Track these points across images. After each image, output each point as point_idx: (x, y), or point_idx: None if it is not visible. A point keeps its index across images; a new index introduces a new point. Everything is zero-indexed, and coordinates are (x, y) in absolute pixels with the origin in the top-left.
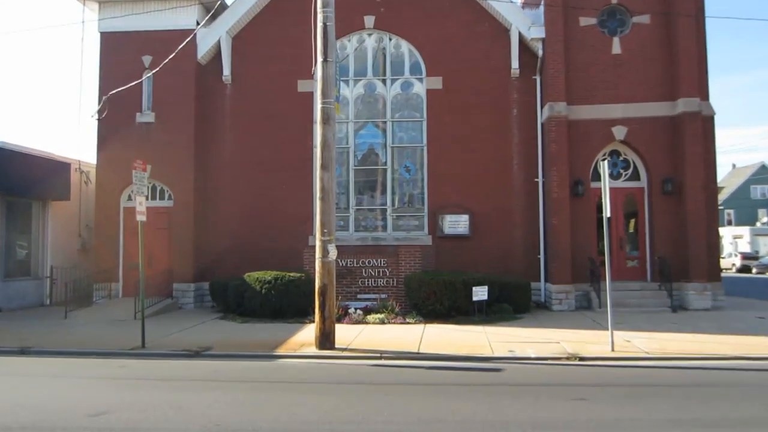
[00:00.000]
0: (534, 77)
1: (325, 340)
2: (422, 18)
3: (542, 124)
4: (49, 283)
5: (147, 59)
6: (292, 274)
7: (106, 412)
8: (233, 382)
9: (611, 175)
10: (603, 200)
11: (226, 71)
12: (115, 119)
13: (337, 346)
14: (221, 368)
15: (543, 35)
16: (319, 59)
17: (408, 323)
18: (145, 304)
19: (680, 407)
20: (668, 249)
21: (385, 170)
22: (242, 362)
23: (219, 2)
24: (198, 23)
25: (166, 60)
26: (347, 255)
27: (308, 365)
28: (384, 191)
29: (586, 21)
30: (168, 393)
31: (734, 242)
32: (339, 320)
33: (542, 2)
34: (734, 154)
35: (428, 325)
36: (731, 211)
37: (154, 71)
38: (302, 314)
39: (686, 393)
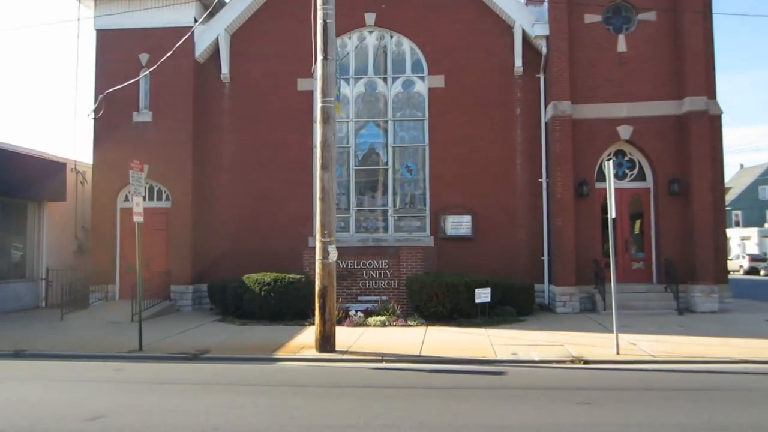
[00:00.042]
0: (537, 75)
1: (326, 342)
2: (424, 15)
3: (546, 123)
4: (45, 285)
5: (144, 57)
6: (291, 276)
7: (103, 416)
8: (232, 386)
9: (616, 176)
10: (608, 201)
11: (225, 69)
12: (111, 118)
13: (337, 348)
14: (220, 371)
15: (547, 32)
16: (319, 57)
17: (409, 326)
18: (142, 306)
19: (688, 412)
20: (674, 250)
21: (386, 170)
22: (241, 365)
23: None
24: (196, 20)
25: (164, 58)
26: (348, 256)
27: (308, 368)
28: (385, 191)
29: (590, 18)
30: (165, 397)
31: (742, 244)
32: (339, 323)
33: None
34: (742, 153)
35: (430, 328)
36: (739, 212)
37: (151, 69)
38: (302, 317)
39: (694, 397)
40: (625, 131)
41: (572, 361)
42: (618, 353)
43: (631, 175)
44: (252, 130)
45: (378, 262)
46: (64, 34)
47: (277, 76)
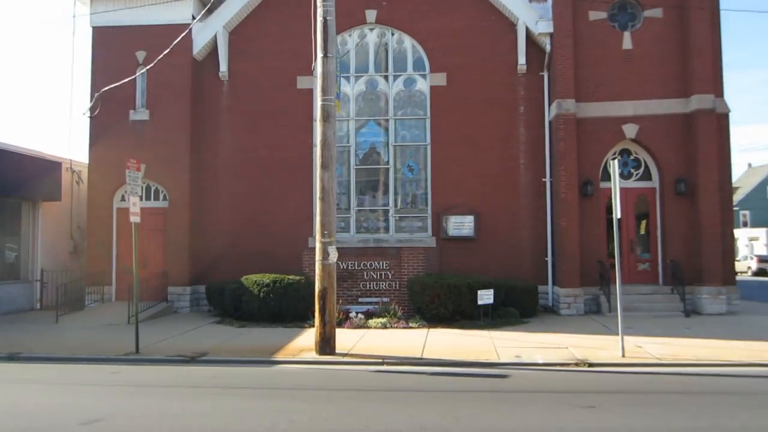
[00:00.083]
0: (541, 73)
1: (326, 345)
2: (425, 12)
3: (550, 122)
4: (40, 287)
5: (141, 55)
6: (291, 277)
7: (99, 419)
8: (230, 389)
9: (622, 175)
10: (613, 201)
11: (223, 67)
12: (107, 117)
13: (337, 351)
14: (218, 374)
15: (551, 30)
16: (319, 55)
17: (411, 328)
18: (139, 308)
19: (695, 415)
20: (681, 251)
21: (387, 170)
22: (239, 368)
23: None
24: (194, 17)
25: (161, 55)
26: (348, 257)
27: (308, 371)
28: (386, 191)
29: (595, 15)
30: (163, 400)
31: (750, 244)
32: (340, 325)
33: None
34: (750, 153)
35: (432, 330)
36: (747, 212)
37: (148, 67)
38: (302, 318)
39: (700, 401)
40: (630, 130)
41: (577, 364)
42: (623, 356)
43: (637, 174)
44: (251, 128)
45: (379, 263)
46: (59, 31)
47: (277, 74)
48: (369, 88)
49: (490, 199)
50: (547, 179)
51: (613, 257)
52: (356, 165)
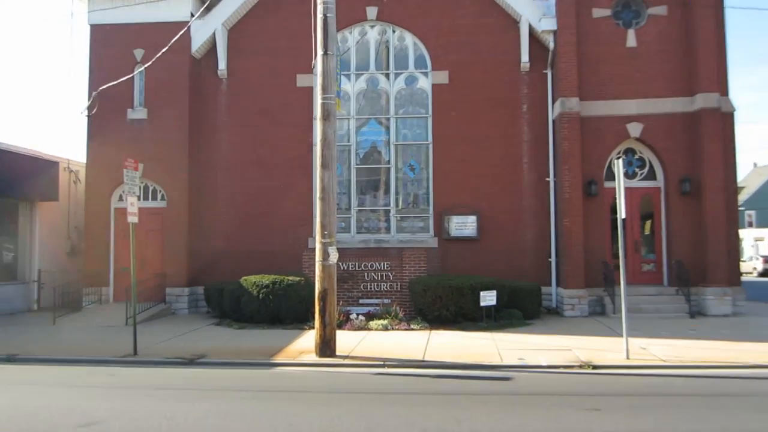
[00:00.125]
0: (545, 71)
1: (326, 347)
2: (427, 9)
3: (553, 121)
4: (37, 288)
5: (139, 53)
6: (290, 278)
7: (97, 422)
8: (229, 391)
9: (626, 175)
10: (617, 201)
11: (222, 65)
12: (105, 116)
13: (338, 353)
14: (216, 376)
15: (554, 27)
16: (319, 52)
17: (412, 329)
18: (136, 309)
19: (701, 418)
20: (686, 252)
21: (388, 169)
22: (238, 370)
23: None
24: (192, 15)
25: (159, 54)
26: (349, 258)
27: (308, 373)
28: (387, 191)
29: (599, 12)
30: (161, 402)
31: (755, 245)
32: (340, 326)
33: None
34: (755, 152)
35: (434, 332)
36: (752, 212)
37: (146, 65)
38: (301, 320)
39: (706, 403)
40: (634, 129)
41: (581, 366)
42: (628, 358)
43: (641, 174)
44: (250, 127)
45: (380, 264)
46: (57, 30)
47: (276, 72)
48: (370, 86)
49: (493, 199)
50: (551, 179)
51: (618, 258)
52: (357, 164)
